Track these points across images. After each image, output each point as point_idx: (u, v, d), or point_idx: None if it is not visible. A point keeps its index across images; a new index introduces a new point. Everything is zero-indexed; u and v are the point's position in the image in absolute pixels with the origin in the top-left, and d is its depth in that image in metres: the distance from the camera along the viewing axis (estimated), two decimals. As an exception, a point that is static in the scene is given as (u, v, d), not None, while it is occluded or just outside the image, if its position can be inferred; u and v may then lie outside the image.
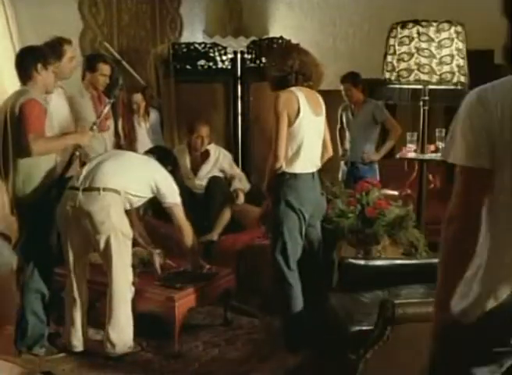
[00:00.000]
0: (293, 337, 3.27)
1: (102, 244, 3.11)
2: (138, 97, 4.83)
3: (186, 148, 4.66)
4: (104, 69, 4.23)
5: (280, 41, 5.27)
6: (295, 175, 3.17)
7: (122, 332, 3.16)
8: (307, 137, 3.15)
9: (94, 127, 3.48)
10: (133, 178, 3.28)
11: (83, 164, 4.02)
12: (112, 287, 3.16)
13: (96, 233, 3.10)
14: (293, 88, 3.14)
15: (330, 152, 3.44)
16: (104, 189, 3.12)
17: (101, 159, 3.30)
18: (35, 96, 3.18)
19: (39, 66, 3.20)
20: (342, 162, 5.12)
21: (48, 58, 3.26)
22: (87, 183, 3.14)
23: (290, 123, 3.10)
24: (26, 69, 3.22)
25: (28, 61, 3.22)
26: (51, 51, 3.45)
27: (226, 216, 4.43)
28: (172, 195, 3.35)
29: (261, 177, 4.30)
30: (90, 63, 4.34)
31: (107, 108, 3.66)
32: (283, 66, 3.14)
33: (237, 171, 4.76)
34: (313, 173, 3.25)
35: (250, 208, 4.59)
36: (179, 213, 3.39)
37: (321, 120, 3.26)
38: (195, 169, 4.64)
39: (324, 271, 3.41)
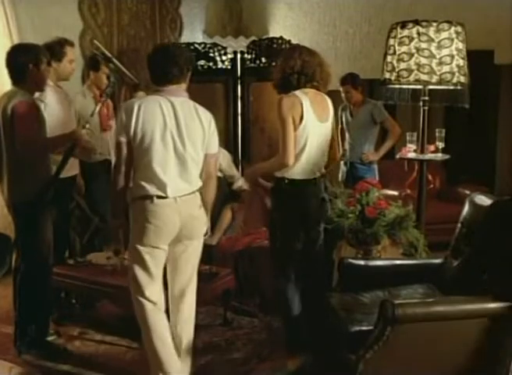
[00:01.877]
0: (293, 341, 3.21)
1: (190, 248, 2.92)
2: (141, 94, 4.82)
3: None
4: (108, 68, 4.24)
5: (280, 41, 5.28)
6: (294, 181, 3.05)
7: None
8: (309, 144, 3.02)
9: (87, 126, 3.37)
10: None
11: (81, 163, 4.05)
12: (186, 291, 2.96)
13: (190, 238, 2.89)
14: (297, 92, 3.02)
15: (337, 158, 3.34)
16: (194, 192, 2.86)
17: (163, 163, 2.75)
18: (27, 97, 3.15)
19: (30, 65, 3.15)
20: (341, 163, 5.12)
21: (40, 57, 3.20)
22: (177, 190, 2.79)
23: (294, 129, 2.98)
24: (17, 69, 3.17)
25: (20, 60, 3.16)
26: (49, 51, 3.43)
27: (227, 218, 4.43)
28: (215, 145, 2.94)
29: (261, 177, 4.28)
30: (95, 63, 4.35)
31: (98, 107, 3.62)
32: (285, 67, 3.05)
33: (235, 172, 4.75)
34: (315, 179, 3.11)
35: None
36: (215, 163, 3.01)
37: (326, 126, 3.11)
38: None
39: (324, 273, 3.36)
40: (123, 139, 2.72)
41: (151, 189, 2.74)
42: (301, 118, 2.98)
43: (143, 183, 2.75)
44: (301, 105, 2.98)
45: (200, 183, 2.88)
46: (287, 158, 2.96)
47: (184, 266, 2.95)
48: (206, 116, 2.89)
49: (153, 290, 2.86)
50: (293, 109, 2.97)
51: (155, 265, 2.84)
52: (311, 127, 3.01)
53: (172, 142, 2.75)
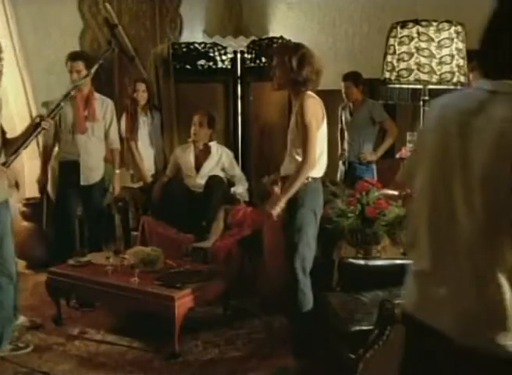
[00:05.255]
0: (301, 343, 3.14)
1: None
2: (142, 86, 4.81)
3: (191, 144, 4.67)
4: (72, 65, 4.06)
5: (280, 40, 5.28)
6: (315, 179, 3.11)
7: None
8: (323, 143, 3.13)
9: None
10: None
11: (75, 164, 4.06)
12: None
13: None
14: (313, 94, 3.09)
15: None
16: None
17: None
18: None
19: None
20: (340, 162, 5.13)
21: None
22: None
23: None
24: None
25: None
26: None
27: (222, 220, 4.41)
28: None
29: (260, 177, 4.28)
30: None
31: (94, 68, 3.64)
32: (302, 70, 3.05)
33: (238, 172, 4.75)
34: (320, 178, 3.21)
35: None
36: None
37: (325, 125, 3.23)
38: (198, 166, 4.64)
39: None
40: None
41: None
42: (322, 120, 3.07)
43: None
44: (322, 107, 3.07)
45: None
46: (312, 165, 3.00)
47: None
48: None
49: None
50: (317, 113, 3.03)
51: None
52: (324, 127, 3.11)
53: None
